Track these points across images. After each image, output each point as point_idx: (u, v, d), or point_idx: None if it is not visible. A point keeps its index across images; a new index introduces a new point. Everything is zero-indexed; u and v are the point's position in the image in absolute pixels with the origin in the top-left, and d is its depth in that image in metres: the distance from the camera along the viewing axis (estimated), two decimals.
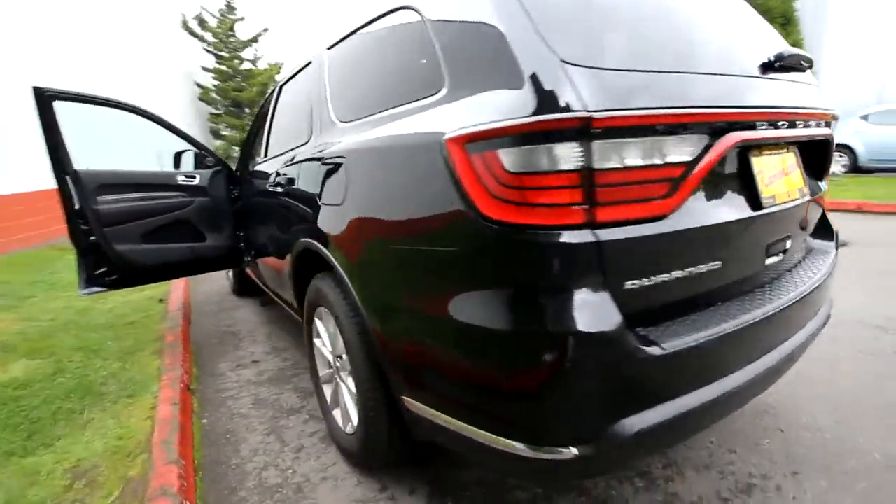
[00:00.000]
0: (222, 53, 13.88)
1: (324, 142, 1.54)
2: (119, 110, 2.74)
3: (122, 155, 3.08)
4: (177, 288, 4.03)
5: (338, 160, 1.30)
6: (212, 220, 3.09)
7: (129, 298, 3.81)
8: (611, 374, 0.86)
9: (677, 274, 0.93)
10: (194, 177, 3.06)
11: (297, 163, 1.72)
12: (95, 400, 2.06)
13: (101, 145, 3.01)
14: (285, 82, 2.34)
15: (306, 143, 1.74)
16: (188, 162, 3.30)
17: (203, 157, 3.17)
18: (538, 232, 0.83)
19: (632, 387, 0.89)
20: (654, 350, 0.87)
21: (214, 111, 14.11)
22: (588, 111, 0.79)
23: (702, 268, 0.96)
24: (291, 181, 1.74)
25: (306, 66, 2.01)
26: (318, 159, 1.48)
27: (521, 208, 0.83)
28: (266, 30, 14.39)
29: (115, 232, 2.67)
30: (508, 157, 0.83)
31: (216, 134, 14.27)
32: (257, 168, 2.48)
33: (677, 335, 0.91)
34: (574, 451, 0.89)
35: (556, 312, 0.84)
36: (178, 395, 2.00)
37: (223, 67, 14.03)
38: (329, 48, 1.75)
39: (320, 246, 1.40)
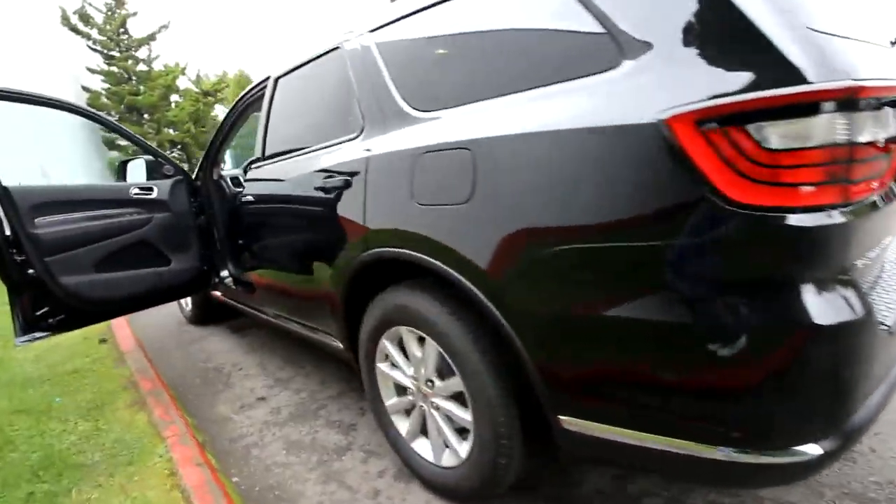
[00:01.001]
0: (113, 53, 12.22)
1: (399, 134, 1.33)
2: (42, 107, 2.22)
3: None
4: (117, 324, 3.40)
5: (454, 152, 1.11)
6: (176, 240, 2.64)
7: (56, 342, 3.12)
8: (858, 362, 0.81)
9: None
10: (151, 189, 2.59)
11: (350, 161, 1.47)
12: (81, 474, 1.61)
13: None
14: (282, 76, 2.03)
15: (356, 136, 1.51)
16: (137, 172, 2.79)
17: (158, 164, 2.69)
18: (794, 214, 0.75)
19: (868, 373, 0.85)
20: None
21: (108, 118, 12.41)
22: (854, 80, 0.72)
23: None
24: (343, 181, 1.49)
25: (325, 54, 1.75)
26: (404, 153, 1.27)
27: (776, 189, 0.75)
28: (165, 26, 12.92)
29: (60, 262, 2.16)
30: (766, 133, 0.74)
31: (111, 144, 12.54)
32: (254, 174, 2.13)
33: None
34: (818, 448, 0.82)
35: (813, 300, 0.77)
36: (197, 452, 1.63)
37: (114, 69, 12.36)
38: (374, 30, 1.53)
39: (422, 255, 1.20)
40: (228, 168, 3.41)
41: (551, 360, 1.02)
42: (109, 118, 2.48)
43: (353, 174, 1.45)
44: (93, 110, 2.40)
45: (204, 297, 3.19)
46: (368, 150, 1.41)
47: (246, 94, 2.40)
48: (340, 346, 1.82)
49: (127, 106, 12.50)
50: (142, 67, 12.90)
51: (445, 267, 1.15)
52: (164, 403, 2.04)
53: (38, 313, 2.18)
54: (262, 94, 2.24)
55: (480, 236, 1.08)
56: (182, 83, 14.40)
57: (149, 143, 2.63)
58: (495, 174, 1.04)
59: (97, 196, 2.42)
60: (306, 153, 1.79)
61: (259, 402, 2.19)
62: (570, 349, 1.00)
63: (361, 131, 1.51)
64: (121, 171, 2.79)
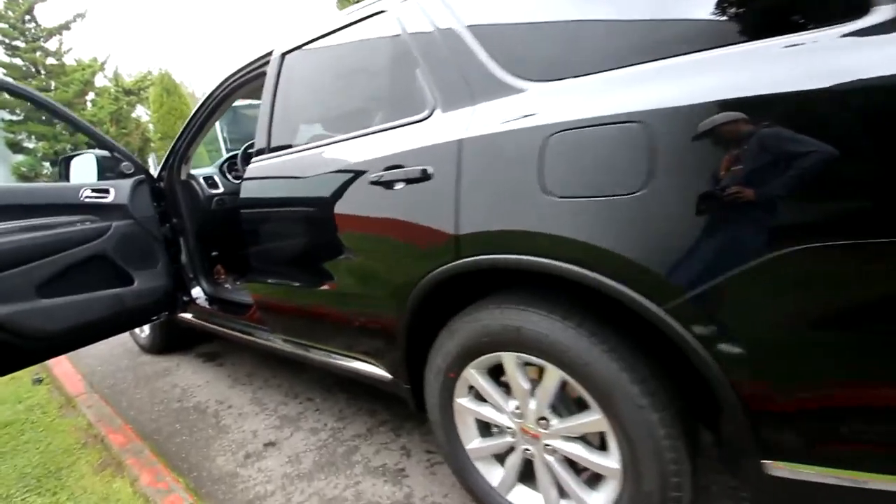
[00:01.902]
0: (17, 43, 10.66)
1: (499, 110, 1.05)
2: None
3: None
4: (54, 360, 2.77)
5: (615, 128, 0.85)
6: (140, 252, 2.17)
7: None
8: None
9: None
10: (107, 191, 2.10)
11: (426, 147, 1.16)
12: None
13: None
14: (293, 50, 1.67)
15: (425, 116, 1.20)
16: (85, 170, 2.26)
17: (114, 161, 2.19)
18: None
19: None
20: None
21: (11, 117, 10.78)
22: None
23: None
24: (412, 175, 1.17)
25: (361, 21, 1.43)
26: (522, 133, 0.99)
27: None
28: (81, 15, 11.48)
29: None
30: None
31: (15, 146, 10.92)
32: (256, 170, 1.73)
33: None
34: None
35: None
36: None
37: (17, 61, 10.80)
38: None
39: (562, 264, 0.92)
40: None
41: (772, 391, 0.80)
42: (49, 99, 1.96)
43: (432, 164, 1.14)
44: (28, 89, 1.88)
45: (168, 320, 2.68)
46: (458, 130, 1.11)
47: (232, 76, 1.98)
48: (387, 376, 1.49)
49: None
50: (52, 61, 11.38)
51: (604, 278, 0.88)
52: (149, 464, 1.59)
53: None
54: (259, 76, 1.86)
55: (660, 234, 0.83)
56: (99, 81, 12.93)
57: (104, 134, 2.12)
58: (687, 153, 0.80)
59: (36, 200, 1.90)
60: (338, 142, 1.45)
61: (268, 448, 1.79)
62: (802, 376, 0.78)
63: (432, 110, 1.21)
64: (63, 169, 2.25)
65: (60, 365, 2.72)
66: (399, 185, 1.22)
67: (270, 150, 1.71)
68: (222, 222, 2.63)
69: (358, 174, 1.34)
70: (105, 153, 2.20)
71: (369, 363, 1.55)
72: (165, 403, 2.25)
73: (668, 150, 0.81)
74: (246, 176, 1.76)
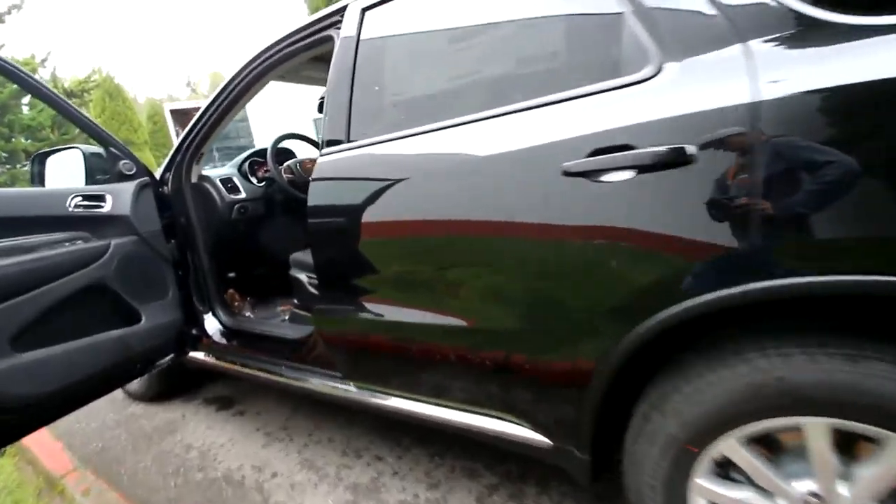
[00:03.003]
0: None
1: (819, 54, 0.69)
2: None
3: None
4: None
5: None
6: (148, 279, 1.67)
7: None
8: None
9: None
10: (101, 198, 1.59)
11: (676, 118, 0.78)
12: None
13: None
14: (380, 3, 1.25)
15: (649, 77, 0.82)
16: (67, 171, 1.72)
17: (111, 158, 1.69)
18: None
19: None
20: None
21: None
22: None
23: None
24: (643, 158, 0.78)
25: None
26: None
27: None
28: (17, 6, 10.29)
29: None
30: None
31: None
32: (329, 166, 1.28)
33: None
34: None
35: None
36: None
37: None
38: None
39: None
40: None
41: None
42: (32, 76, 1.43)
43: (690, 141, 0.76)
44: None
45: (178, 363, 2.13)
46: (736, 89, 0.73)
47: (274, 47, 1.52)
48: (545, 441, 1.09)
49: None
50: None
51: None
52: None
53: None
54: (317, 44, 1.43)
55: None
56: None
57: (96, 123, 1.59)
58: None
59: (6, 212, 1.36)
60: (481, 121, 1.03)
61: None
62: None
63: (658, 65, 0.83)
64: (37, 169, 1.70)
65: None
66: (617, 175, 0.83)
67: (351, 138, 1.27)
68: (244, 236, 2.13)
69: (533, 163, 0.93)
70: (96, 149, 1.68)
71: (515, 423, 1.14)
72: (183, 475, 1.73)
73: None
74: (316, 175, 1.31)
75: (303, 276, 1.78)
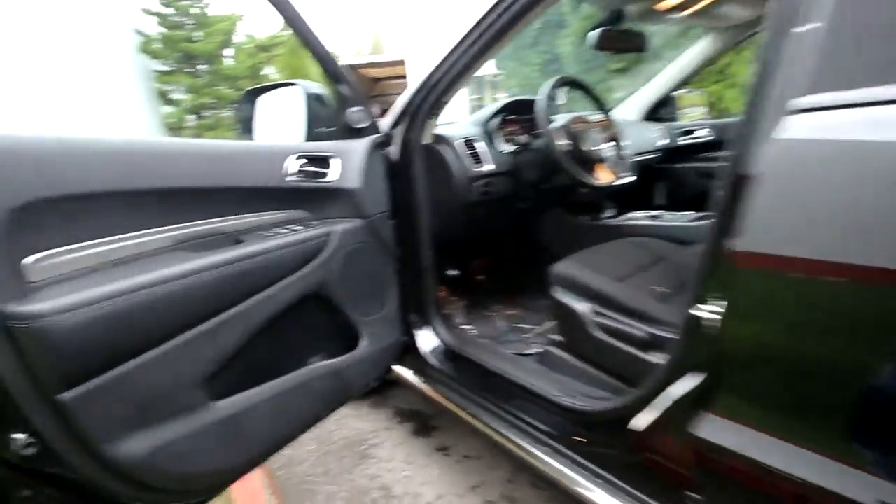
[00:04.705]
0: None
1: None
2: None
3: None
4: None
5: None
6: (370, 284, 1.13)
7: None
8: None
9: None
10: (325, 162, 1.06)
11: None
12: None
13: None
14: None
15: None
16: (281, 117, 1.25)
17: (339, 102, 1.16)
18: None
19: None
20: None
21: (164, 68, 11.07)
22: None
23: None
24: None
25: None
26: None
27: None
28: None
29: (84, 403, 0.68)
30: None
31: (164, 97, 11.25)
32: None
33: None
34: None
35: None
36: None
37: (169, 11, 10.95)
38: None
39: None
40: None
41: None
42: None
43: None
44: None
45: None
46: None
47: None
48: None
49: (182, 53, 11.13)
50: (195, 11, 11.48)
51: None
52: None
53: None
54: None
55: None
56: (236, 37, 12.90)
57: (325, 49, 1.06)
58: None
59: (200, 181, 0.89)
60: None
61: None
62: None
63: None
64: (246, 111, 1.25)
65: None
66: None
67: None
68: (481, 225, 1.53)
69: None
70: (317, 88, 1.16)
71: None
72: None
73: None
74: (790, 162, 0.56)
75: (585, 310, 1.10)
